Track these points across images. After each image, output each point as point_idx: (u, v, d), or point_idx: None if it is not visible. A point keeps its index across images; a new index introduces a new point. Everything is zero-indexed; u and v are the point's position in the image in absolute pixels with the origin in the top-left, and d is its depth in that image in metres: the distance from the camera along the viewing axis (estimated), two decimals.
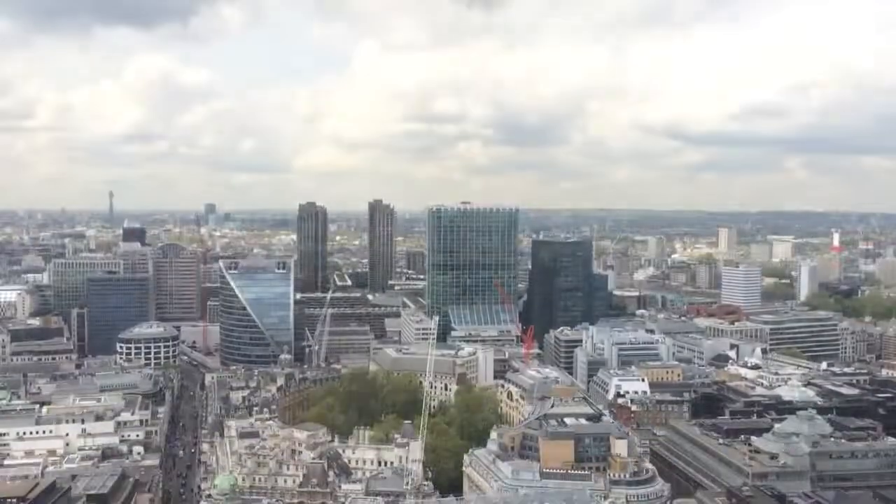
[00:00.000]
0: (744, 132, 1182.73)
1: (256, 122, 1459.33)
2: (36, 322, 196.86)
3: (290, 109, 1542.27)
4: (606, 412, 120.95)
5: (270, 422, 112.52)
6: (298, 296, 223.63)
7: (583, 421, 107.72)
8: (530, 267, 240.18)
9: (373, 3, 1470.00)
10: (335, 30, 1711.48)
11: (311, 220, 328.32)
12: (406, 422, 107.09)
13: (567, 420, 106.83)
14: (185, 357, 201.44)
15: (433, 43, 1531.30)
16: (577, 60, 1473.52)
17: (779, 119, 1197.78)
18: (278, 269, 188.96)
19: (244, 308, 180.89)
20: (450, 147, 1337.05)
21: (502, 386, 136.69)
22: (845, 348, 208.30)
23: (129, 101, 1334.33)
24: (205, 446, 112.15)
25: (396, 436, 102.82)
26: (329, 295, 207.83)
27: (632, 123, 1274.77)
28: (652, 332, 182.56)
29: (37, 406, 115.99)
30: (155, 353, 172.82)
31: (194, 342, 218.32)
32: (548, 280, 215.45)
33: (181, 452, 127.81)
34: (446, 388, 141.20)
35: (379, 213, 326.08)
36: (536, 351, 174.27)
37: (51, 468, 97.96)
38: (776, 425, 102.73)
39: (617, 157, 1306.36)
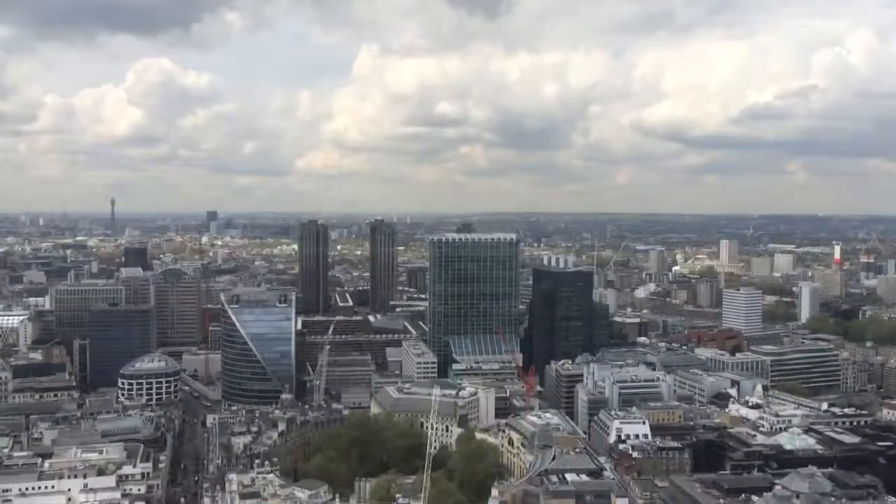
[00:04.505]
0: (745, 135, 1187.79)
1: (258, 125, 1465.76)
2: (38, 356, 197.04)
3: (291, 113, 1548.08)
4: (607, 462, 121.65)
5: (272, 475, 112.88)
6: (300, 321, 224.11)
7: (584, 477, 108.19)
8: (531, 293, 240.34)
9: (374, 8, 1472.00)
10: (337, 34, 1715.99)
11: (313, 238, 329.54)
12: (407, 480, 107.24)
13: (568, 476, 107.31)
14: (187, 387, 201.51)
15: (434, 47, 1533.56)
16: (578, 64, 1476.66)
17: (779, 122, 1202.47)
18: (280, 302, 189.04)
19: (245, 342, 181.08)
20: (451, 150, 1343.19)
21: (503, 431, 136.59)
22: (846, 378, 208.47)
23: (130, 104, 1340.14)
24: (206, 500, 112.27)
25: (398, 495, 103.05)
26: (332, 327, 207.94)
27: (633, 127, 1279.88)
28: (653, 366, 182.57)
29: (38, 460, 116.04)
30: (157, 388, 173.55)
31: (195, 370, 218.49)
32: (548, 309, 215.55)
33: (182, 500, 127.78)
34: (447, 430, 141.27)
35: (381, 234, 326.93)
36: (538, 388, 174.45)
37: None
38: (777, 484, 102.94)
39: (618, 160, 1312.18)
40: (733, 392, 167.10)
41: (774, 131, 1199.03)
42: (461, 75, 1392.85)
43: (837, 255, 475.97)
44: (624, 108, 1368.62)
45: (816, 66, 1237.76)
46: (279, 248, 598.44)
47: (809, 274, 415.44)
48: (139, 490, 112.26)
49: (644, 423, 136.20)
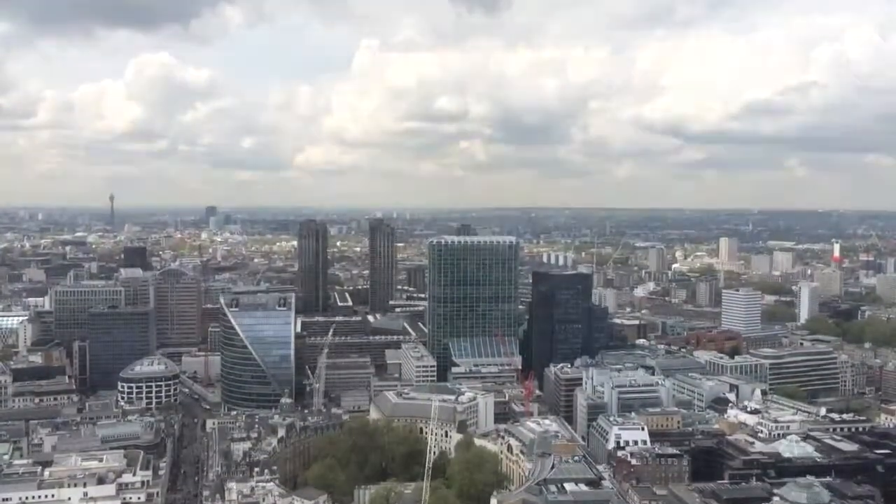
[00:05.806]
0: (744, 131, 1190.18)
1: (257, 120, 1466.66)
2: (38, 359, 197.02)
3: (290, 108, 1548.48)
4: (606, 468, 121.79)
5: (272, 484, 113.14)
6: (299, 322, 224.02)
7: (583, 486, 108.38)
8: (531, 294, 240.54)
9: (374, 3, 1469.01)
10: (336, 29, 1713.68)
11: (312, 237, 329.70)
12: (406, 490, 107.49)
13: (567, 486, 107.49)
14: (186, 390, 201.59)
15: (434, 43, 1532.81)
16: (577, 60, 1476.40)
17: (779, 118, 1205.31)
18: (279, 306, 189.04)
19: (245, 346, 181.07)
20: (450, 145, 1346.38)
21: (502, 437, 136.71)
22: (845, 381, 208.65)
23: (129, 99, 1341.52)
24: None
25: None
26: (331, 330, 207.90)
27: (633, 122, 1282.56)
28: (652, 370, 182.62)
29: (39, 468, 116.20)
30: (157, 392, 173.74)
31: (195, 372, 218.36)
32: (548, 312, 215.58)
33: None
34: (446, 435, 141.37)
35: (380, 233, 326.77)
36: (537, 393, 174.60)
37: None
38: (775, 494, 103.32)
39: (618, 155, 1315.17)
40: (732, 396, 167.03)
41: (774, 127, 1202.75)
42: (461, 71, 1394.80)
43: (836, 253, 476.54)
44: (624, 104, 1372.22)
45: (816, 61, 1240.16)
46: (278, 244, 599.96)
47: (809, 272, 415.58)
48: (139, 498, 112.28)
49: (643, 429, 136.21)
